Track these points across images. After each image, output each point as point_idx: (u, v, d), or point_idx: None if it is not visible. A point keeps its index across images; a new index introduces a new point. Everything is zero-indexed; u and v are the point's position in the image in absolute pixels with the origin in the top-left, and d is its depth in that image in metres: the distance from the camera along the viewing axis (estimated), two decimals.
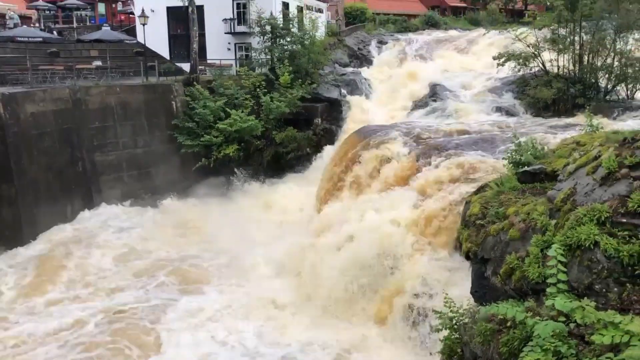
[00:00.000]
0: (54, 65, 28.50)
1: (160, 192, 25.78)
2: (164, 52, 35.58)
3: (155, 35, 33.97)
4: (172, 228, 23.15)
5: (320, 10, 43.98)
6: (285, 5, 36.60)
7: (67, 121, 23.60)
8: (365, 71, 35.52)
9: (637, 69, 23.78)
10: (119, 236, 22.25)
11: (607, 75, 24.97)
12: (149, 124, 26.58)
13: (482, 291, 9.51)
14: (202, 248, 21.30)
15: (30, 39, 31.64)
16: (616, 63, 24.62)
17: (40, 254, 20.32)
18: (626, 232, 6.69)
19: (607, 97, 24.63)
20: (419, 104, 28.57)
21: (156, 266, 19.69)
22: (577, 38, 25.73)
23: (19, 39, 31.45)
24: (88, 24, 44.61)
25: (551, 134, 18.05)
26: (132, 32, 37.71)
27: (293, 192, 25.16)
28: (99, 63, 30.40)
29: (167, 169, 26.89)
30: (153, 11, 34.12)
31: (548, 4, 30.49)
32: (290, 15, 35.04)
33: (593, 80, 25.28)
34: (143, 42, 31.76)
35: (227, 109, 27.37)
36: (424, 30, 53.02)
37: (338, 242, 16.40)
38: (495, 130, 20.57)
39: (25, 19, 40.17)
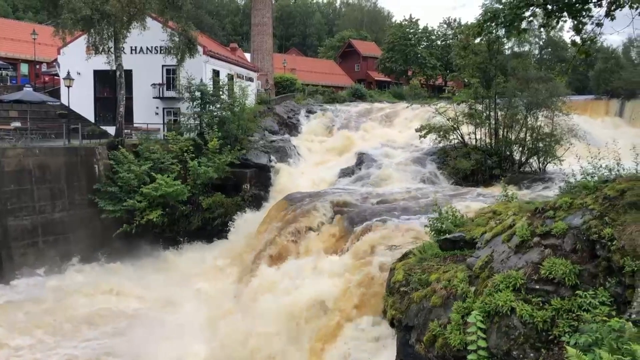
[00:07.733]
0: None
1: (78, 259, 24.54)
2: (89, 114, 34.90)
3: (80, 98, 33.31)
4: (84, 297, 21.67)
5: (250, 79, 44.79)
6: (216, 73, 37.06)
7: None
8: (294, 139, 36.12)
9: (547, 143, 25.46)
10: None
11: (520, 149, 26.58)
12: (69, 187, 25.54)
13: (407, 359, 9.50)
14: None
15: None
16: (528, 137, 26.31)
17: None
18: (539, 299, 6.97)
19: (521, 168, 26.11)
20: (346, 172, 29.22)
21: None
22: (492, 113, 27.48)
23: None
24: (9, 84, 43.17)
25: (469, 203, 18.78)
26: (56, 93, 36.78)
27: (218, 259, 24.55)
28: (18, 124, 29.22)
29: (87, 235, 25.66)
30: (79, 74, 33.59)
31: (466, 81, 32.55)
32: (221, 83, 35.46)
33: (508, 153, 26.83)
34: (67, 104, 31.01)
35: (152, 173, 26.80)
36: (351, 101, 54.90)
37: (262, 310, 16.02)
38: (418, 198, 21.20)
39: None
